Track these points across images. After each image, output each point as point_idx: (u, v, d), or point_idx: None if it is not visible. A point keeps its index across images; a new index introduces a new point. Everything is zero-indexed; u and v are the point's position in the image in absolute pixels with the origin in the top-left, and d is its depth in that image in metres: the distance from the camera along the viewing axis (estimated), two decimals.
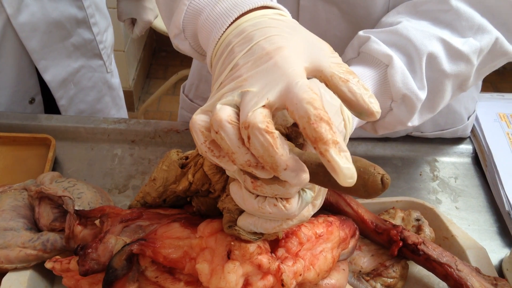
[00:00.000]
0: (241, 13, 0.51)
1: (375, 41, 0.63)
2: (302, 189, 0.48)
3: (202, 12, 0.55)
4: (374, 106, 0.44)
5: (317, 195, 0.51)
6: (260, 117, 0.41)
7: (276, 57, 0.44)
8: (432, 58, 0.63)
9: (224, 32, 0.51)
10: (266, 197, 0.47)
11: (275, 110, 0.44)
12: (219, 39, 0.51)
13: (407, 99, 0.62)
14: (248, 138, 0.42)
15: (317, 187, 0.50)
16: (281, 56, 0.44)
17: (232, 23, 0.51)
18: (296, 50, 0.45)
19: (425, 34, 0.63)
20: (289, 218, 0.49)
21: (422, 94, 0.63)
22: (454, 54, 0.64)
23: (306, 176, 0.42)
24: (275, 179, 0.45)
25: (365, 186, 0.42)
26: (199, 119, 0.45)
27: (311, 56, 0.46)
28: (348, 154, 0.39)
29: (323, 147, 0.39)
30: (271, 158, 0.41)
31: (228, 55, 0.48)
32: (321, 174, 0.43)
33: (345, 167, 0.38)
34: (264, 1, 0.51)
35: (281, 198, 0.47)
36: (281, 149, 0.41)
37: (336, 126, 0.44)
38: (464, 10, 0.64)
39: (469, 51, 0.64)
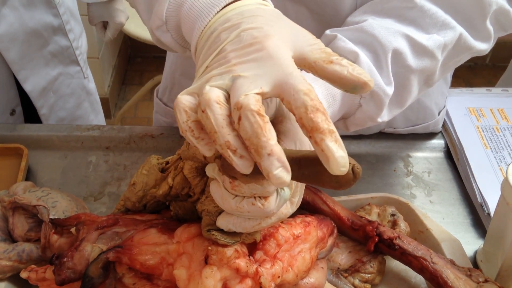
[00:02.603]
0: (227, 3, 0.51)
1: (342, 39, 0.64)
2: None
3: (185, 2, 0.55)
4: (365, 76, 0.45)
5: (294, 193, 0.51)
6: (253, 100, 0.42)
7: (267, 46, 0.45)
8: (397, 54, 0.64)
9: (209, 21, 0.51)
10: (244, 196, 0.47)
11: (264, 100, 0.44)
12: (204, 27, 0.51)
13: (375, 94, 0.63)
14: (239, 119, 0.42)
15: (294, 184, 0.51)
16: (271, 45, 0.45)
17: (217, 12, 0.51)
18: (283, 39, 0.46)
19: (390, 31, 0.64)
20: (268, 216, 0.49)
21: (389, 90, 0.64)
22: (419, 49, 0.65)
23: (286, 175, 0.41)
24: (253, 178, 0.45)
25: (337, 177, 0.42)
26: (184, 99, 0.45)
27: (295, 44, 0.46)
28: (342, 144, 0.40)
29: (319, 136, 0.40)
30: (258, 140, 0.41)
31: (215, 41, 0.48)
32: (295, 169, 0.44)
33: (339, 156, 0.39)
34: None
35: (259, 197, 0.47)
36: (269, 133, 0.41)
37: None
38: (428, 7, 0.66)
39: (433, 46, 0.65)
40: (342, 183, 0.42)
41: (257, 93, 0.42)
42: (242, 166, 0.43)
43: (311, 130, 0.41)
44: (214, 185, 0.49)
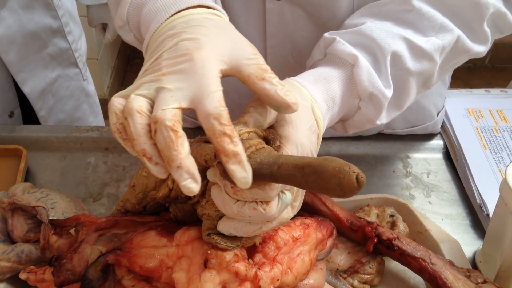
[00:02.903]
0: (177, 10, 0.53)
1: (341, 42, 0.64)
2: (282, 191, 0.49)
3: (145, 5, 0.57)
4: (290, 98, 0.49)
5: (295, 197, 0.52)
6: (169, 116, 0.45)
7: (194, 58, 0.47)
8: (396, 57, 0.64)
9: (160, 25, 0.54)
10: (246, 201, 0.47)
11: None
12: (154, 31, 0.54)
13: (374, 97, 0.64)
14: (155, 132, 0.45)
15: (295, 189, 0.51)
16: (200, 58, 0.47)
17: (169, 18, 0.53)
18: (216, 52, 0.48)
19: (388, 34, 0.64)
20: (269, 220, 0.50)
21: (388, 92, 0.64)
22: (417, 52, 0.65)
23: (195, 186, 0.44)
24: (254, 183, 0.46)
25: (341, 185, 0.42)
26: (116, 101, 0.48)
27: (231, 56, 0.49)
28: (245, 164, 0.44)
29: (225, 159, 0.44)
30: (170, 153, 0.44)
31: (158, 47, 0.51)
32: (298, 176, 0.44)
33: (240, 176, 0.44)
34: (199, 0, 0.54)
35: (261, 202, 0.47)
36: (181, 147, 0.44)
37: (240, 137, 0.47)
38: (426, 10, 0.66)
39: (431, 49, 0.65)
40: (346, 191, 0.42)
41: (176, 108, 0.45)
42: (156, 171, 0.46)
43: (218, 152, 0.45)
44: (215, 190, 0.49)
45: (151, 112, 0.46)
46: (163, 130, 0.44)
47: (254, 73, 0.49)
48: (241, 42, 0.51)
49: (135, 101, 0.46)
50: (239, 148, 0.44)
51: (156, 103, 0.46)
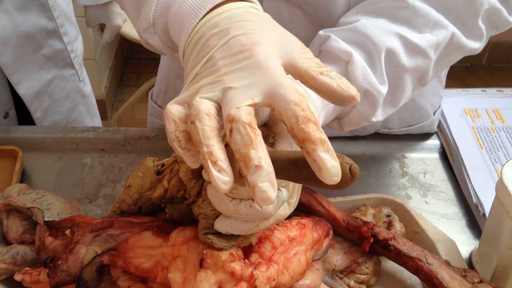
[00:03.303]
0: (214, 4, 0.51)
1: (335, 39, 0.64)
2: (278, 188, 0.49)
3: (173, 4, 0.54)
4: (354, 90, 0.46)
5: (292, 194, 0.52)
6: (245, 113, 0.42)
7: (256, 54, 0.45)
8: (390, 54, 0.64)
9: (197, 24, 0.51)
10: (242, 199, 0.47)
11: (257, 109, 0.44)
12: (192, 30, 0.51)
13: (369, 94, 0.64)
14: (231, 131, 0.42)
15: (291, 185, 0.51)
16: (261, 52, 0.45)
17: (205, 15, 0.51)
18: (273, 46, 0.46)
19: (383, 31, 0.64)
20: (266, 218, 0.49)
21: (383, 89, 0.64)
22: (412, 49, 0.65)
23: (272, 192, 0.40)
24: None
25: None
26: (173, 108, 0.45)
27: (285, 52, 0.46)
28: (334, 153, 0.40)
29: (311, 147, 0.40)
30: (247, 151, 0.41)
31: (203, 47, 0.48)
32: (292, 170, 0.44)
33: (331, 166, 0.40)
34: None
35: None
36: (259, 147, 0.41)
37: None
38: (420, 6, 0.66)
39: (426, 45, 0.65)
40: (340, 183, 0.42)
41: (249, 105, 0.43)
42: (218, 179, 0.42)
43: (302, 141, 0.41)
44: (211, 188, 0.49)
45: (219, 116, 0.44)
46: (241, 128, 0.41)
47: (310, 67, 0.46)
48: (289, 36, 0.49)
49: (201, 103, 0.44)
50: (325, 135, 0.41)
51: (225, 103, 0.44)
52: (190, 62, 0.49)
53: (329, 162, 0.40)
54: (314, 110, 0.45)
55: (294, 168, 0.44)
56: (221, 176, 0.42)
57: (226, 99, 0.44)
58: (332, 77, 0.45)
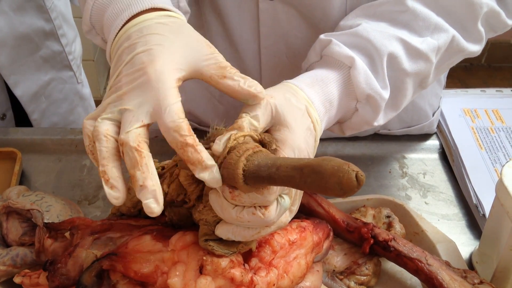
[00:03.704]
0: (130, 15, 0.54)
1: (337, 44, 0.64)
2: (280, 195, 0.49)
3: (106, 10, 0.58)
4: (255, 88, 0.51)
5: (293, 201, 0.52)
6: (133, 137, 0.47)
7: (149, 73, 0.48)
8: (392, 58, 0.64)
9: (116, 34, 0.54)
10: (244, 206, 0.47)
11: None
12: (113, 39, 0.55)
13: (371, 99, 0.63)
14: (123, 154, 0.47)
15: (293, 192, 0.51)
16: (153, 71, 0.48)
17: (124, 25, 0.54)
18: (171, 61, 0.49)
19: (384, 35, 0.64)
20: (268, 225, 0.50)
21: (386, 93, 0.64)
22: (413, 53, 0.65)
23: (155, 207, 0.46)
24: (253, 187, 0.46)
25: (340, 184, 0.42)
26: (88, 124, 0.50)
27: (188, 61, 0.50)
28: (212, 165, 0.46)
29: (192, 167, 0.46)
30: (134, 173, 0.46)
31: (118, 61, 0.52)
32: (297, 177, 0.44)
33: (208, 179, 0.47)
34: (152, 2, 0.54)
35: (259, 206, 0.47)
36: (145, 167, 0.46)
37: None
38: (421, 10, 0.66)
39: (427, 49, 0.65)
40: (345, 190, 0.42)
41: (139, 127, 0.47)
42: (110, 195, 0.48)
43: (186, 162, 0.47)
44: (213, 195, 0.49)
45: (118, 133, 0.48)
46: (128, 151, 0.46)
47: (215, 73, 0.50)
48: (197, 44, 0.52)
49: (101, 125, 0.48)
50: (203, 155, 0.46)
51: (121, 125, 0.48)
52: (111, 71, 0.53)
53: (208, 177, 0.46)
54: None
55: (299, 175, 0.44)
56: (112, 192, 0.47)
57: (122, 121, 0.48)
58: (235, 79, 0.50)
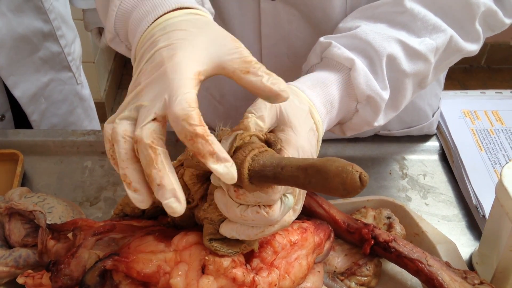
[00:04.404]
0: (156, 17, 0.52)
1: (337, 46, 0.65)
2: (284, 195, 0.49)
3: (131, 15, 0.56)
4: (278, 86, 0.46)
5: (297, 200, 0.52)
6: (147, 133, 0.44)
7: (166, 65, 0.46)
8: (391, 59, 0.65)
9: (141, 37, 0.53)
10: (248, 205, 0.47)
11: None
12: (137, 43, 0.53)
13: (372, 100, 0.64)
14: (138, 152, 0.44)
15: (297, 191, 0.51)
16: (171, 63, 0.46)
17: (149, 26, 0.52)
18: (193, 54, 0.47)
19: (383, 37, 0.65)
20: (272, 224, 0.50)
21: (385, 94, 0.65)
22: (412, 54, 0.66)
23: (177, 206, 0.43)
24: (258, 186, 0.46)
25: (344, 185, 0.42)
26: (108, 127, 0.47)
27: (211, 55, 0.47)
28: (223, 157, 0.42)
29: (203, 160, 0.43)
30: (150, 172, 0.43)
31: (140, 60, 0.50)
32: (302, 177, 0.44)
33: (224, 172, 0.42)
34: (178, 2, 0.52)
35: (263, 205, 0.47)
36: (160, 165, 0.43)
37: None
38: (419, 11, 0.66)
39: (426, 50, 0.66)
40: (349, 191, 0.42)
41: (155, 119, 0.44)
42: (134, 199, 0.45)
43: (195, 154, 0.43)
44: (218, 193, 0.50)
45: None
46: (143, 149, 0.43)
47: (238, 67, 0.47)
48: (222, 38, 0.49)
49: (119, 126, 0.46)
50: (215, 147, 0.43)
51: (137, 122, 0.45)
52: (133, 70, 0.51)
53: (221, 169, 0.42)
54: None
55: (304, 175, 0.44)
56: (136, 196, 0.45)
57: (138, 118, 0.45)
58: (258, 75, 0.46)
